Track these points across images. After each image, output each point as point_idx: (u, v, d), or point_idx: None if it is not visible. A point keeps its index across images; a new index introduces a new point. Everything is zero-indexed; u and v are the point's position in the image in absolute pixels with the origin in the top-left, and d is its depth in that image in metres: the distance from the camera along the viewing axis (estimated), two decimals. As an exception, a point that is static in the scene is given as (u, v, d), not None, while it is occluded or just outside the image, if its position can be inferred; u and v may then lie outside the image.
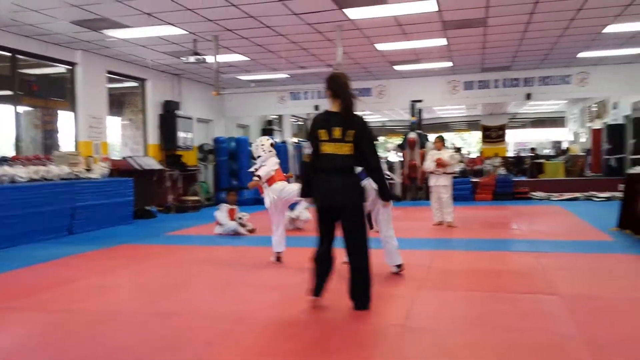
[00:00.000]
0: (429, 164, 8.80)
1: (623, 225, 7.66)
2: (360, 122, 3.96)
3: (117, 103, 12.84)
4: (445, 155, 8.71)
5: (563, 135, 26.08)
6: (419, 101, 14.56)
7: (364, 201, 4.08)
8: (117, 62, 11.33)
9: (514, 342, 3.34)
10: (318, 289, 4.11)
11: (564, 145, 23.40)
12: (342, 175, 3.93)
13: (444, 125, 27.32)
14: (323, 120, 3.99)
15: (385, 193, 4.19)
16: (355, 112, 3.98)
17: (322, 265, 4.07)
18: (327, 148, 3.93)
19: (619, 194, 9.14)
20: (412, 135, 13.70)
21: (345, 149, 3.90)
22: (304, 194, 4.22)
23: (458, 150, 23.46)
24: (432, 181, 8.82)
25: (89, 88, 10.56)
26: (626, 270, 5.41)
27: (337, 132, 3.88)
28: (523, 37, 10.27)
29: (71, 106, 10.43)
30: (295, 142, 16.60)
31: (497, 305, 4.19)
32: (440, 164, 8.58)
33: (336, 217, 4.00)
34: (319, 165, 4.00)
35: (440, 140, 8.90)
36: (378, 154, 4.17)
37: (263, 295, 4.67)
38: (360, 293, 3.99)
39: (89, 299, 4.69)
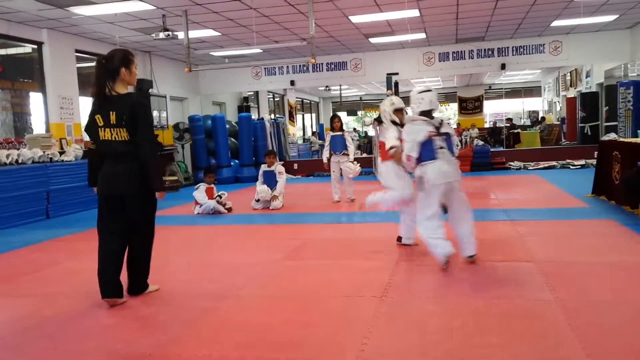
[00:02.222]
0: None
1: (598, 191, 7.80)
2: (128, 105, 3.66)
3: (89, 83, 12.53)
4: None
5: (539, 104, 26.33)
6: (395, 74, 14.52)
7: (147, 189, 3.77)
8: (86, 40, 11.03)
9: (489, 309, 3.40)
10: (107, 288, 3.81)
11: (540, 115, 23.61)
12: (122, 162, 3.73)
13: (421, 98, 27.31)
14: (98, 105, 3.74)
15: (154, 183, 3.75)
16: (124, 93, 3.75)
17: (112, 264, 3.85)
18: (104, 134, 3.71)
19: (593, 161, 9.28)
20: (389, 108, 13.66)
21: (122, 134, 3.67)
22: (90, 182, 3.98)
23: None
24: None
25: (58, 68, 10.28)
26: (600, 235, 5.51)
27: (112, 117, 3.65)
28: (496, 7, 10.25)
29: (40, 87, 10.16)
30: (273, 119, 16.44)
31: (475, 274, 4.25)
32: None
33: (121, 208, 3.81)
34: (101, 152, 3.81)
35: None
36: (153, 140, 3.79)
37: (245, 271, 4.66)
38: (138, 286, 4.02)
39: (68, 283, 4.65)
